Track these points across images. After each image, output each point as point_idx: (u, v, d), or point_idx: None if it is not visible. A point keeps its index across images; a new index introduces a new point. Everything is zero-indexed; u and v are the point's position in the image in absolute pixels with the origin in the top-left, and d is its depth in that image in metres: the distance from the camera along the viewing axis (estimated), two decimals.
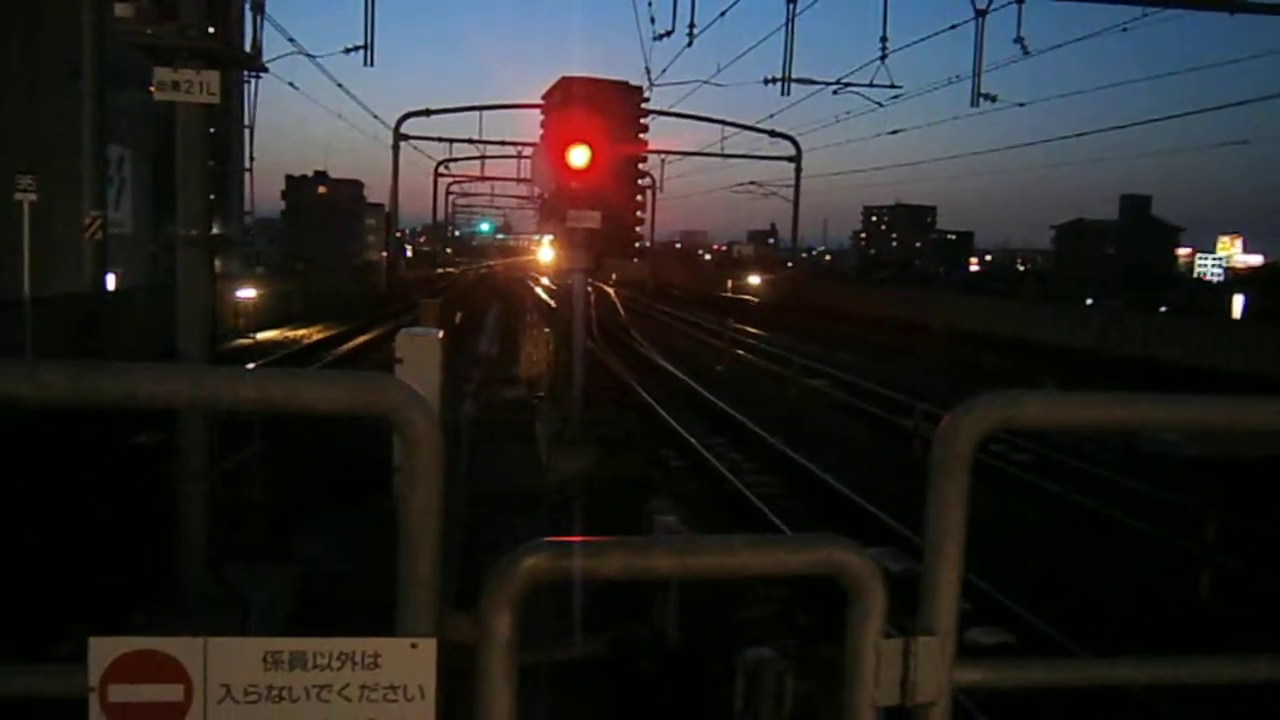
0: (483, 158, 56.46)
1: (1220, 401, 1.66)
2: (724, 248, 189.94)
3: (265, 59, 7.55)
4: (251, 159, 10.21)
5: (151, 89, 5.75)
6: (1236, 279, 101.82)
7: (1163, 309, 49.58)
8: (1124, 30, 18.39)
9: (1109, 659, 1.77)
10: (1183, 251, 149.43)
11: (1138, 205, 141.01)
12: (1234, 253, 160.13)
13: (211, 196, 6.24)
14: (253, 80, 9.00)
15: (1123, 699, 5.81)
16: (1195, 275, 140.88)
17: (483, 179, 66.08)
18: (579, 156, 10.81)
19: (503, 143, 52.26)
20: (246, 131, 9.88)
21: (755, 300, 48.08)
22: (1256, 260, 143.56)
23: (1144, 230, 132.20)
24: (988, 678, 1.60)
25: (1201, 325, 25.10)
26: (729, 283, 57.01)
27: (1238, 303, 59.42)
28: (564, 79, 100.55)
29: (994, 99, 20.63)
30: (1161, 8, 17.88)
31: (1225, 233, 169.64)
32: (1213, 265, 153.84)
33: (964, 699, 5.46)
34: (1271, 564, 8.73)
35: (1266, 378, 18.97)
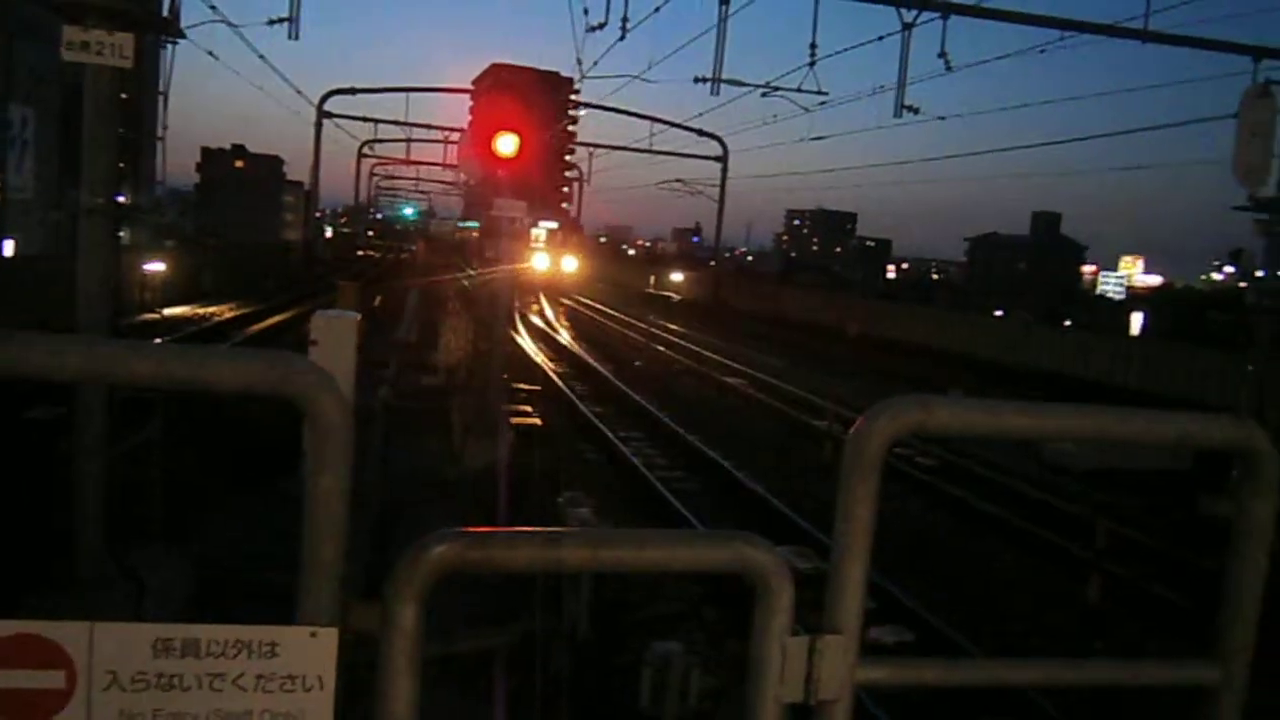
0: (408, 140, 55.63)
1: (1117, 414, 1.72)
2: (648, 244, 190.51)
3: (183, 25, 7.30)
4: (165, 127, 9.87)
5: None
6: (1136, 298, 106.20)
7: (1066, 323, 51.40)
8: (1041, 52, 18.97)
9: (1004, 660, 1.82)
10: (1088, 269, 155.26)
11: (1048, 222, 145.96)
12: (1135, 272, 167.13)
13: (121, 165, 6.00)
14: (169, 46, 8.67)
15: (1015, 697, 6.01)
16: (1098, 292, 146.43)
17: (408, 162, 65.03)
18: (507, 144, 10.71)
19: (429, 126, 51.60)
20: (161, 98, 9.53)
21: (677, 297, 48.32)
22: (1156, 281, 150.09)
23: (1053, 247, 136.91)
24: (889, 676, 1.63)
25: (1103, 341, 26.12)
26: (652, 279, 57.17)
27: (1136, 320, 61.95)
28: (494, 65, 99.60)
29: (916, 111, 21.03)
30: (1078, 32, 18.49)
31: (1127, 253, 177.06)
32: (1115, 284, 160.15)
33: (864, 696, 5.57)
34: (1155, 572, 9.14)
35: (1162, 394, 19.83)
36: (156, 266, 24.54)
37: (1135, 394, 20.17)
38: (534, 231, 57.28)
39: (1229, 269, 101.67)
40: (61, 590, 5.58)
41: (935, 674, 1.76)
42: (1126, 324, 60.18)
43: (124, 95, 5.95)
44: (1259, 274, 16.23)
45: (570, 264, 54.15)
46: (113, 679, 1.29)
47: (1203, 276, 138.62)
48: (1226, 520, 1.71)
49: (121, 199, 6.08)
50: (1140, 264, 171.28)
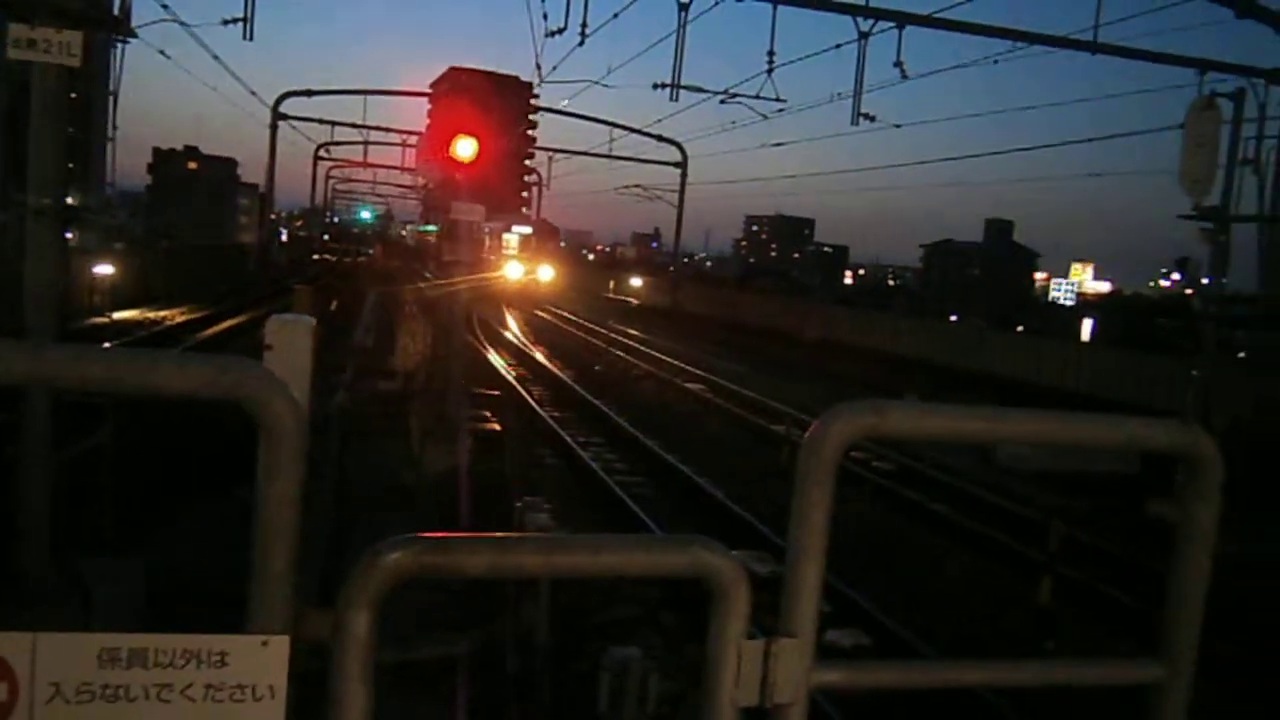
0: (366, 143, 55.06)
1: (1068, 418, 1.75)
2: (607, 249, 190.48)
3: (135, 24, 7.17)
4: (115, 128, 9.67)
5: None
6: (1086, 304, 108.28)
7: (1019, 329, 52.19)
8: (995, 62, 19.33)
9: (958, 661, 1.84)
10: (1039, 275, 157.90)
11: (1001, 230, 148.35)
12: (1085, 279, 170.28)
13: (69, 165, 5.88)
14: (120, 45, 8.50)
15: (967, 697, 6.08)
16: (1050, 298, 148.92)
17: (365, 165, 64.38)
18: (465, 148, 10.67)
19: (387, 129, 51.15)
20: (111, 98, 9.34)
21: (636, 302, 48.33)
22: (1105, 287, 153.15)
23: (1006, 254, 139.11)
24: (844, 679, 1.64)
25: (1055, 346, 26.57)
26: (611, 284, 57.15)
27: (1086, 326, 63.06)
28: (452, 69, 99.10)
29: (873, 119, 21.25)
30: (1029, 43, 18.83)
31: (1078, 260, 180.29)
32: (1066, 290, 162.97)
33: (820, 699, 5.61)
34: (1108, 574, 9.30)
35: (1112, 399, 20.20)
36: (106, 269, 24.05)
37: (1086, 398, 20.53)
38: (506, 237, 55.40)
39: (1176, 276, 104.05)
40: (5, 600, 5.45)
41: (891, 676, 1.77)
42: (1078, 330, 61.20)
43: (73, 94, 5.84)
44: (1205, 281, 16.61)
45: (547, 273, 52.06)
46: (56, 691, 1.26)
47: (1151, 283, 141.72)
48: (1172, 523, 1.75)
49: (70, 200, 5.96)
50: (1090, 271, 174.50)
